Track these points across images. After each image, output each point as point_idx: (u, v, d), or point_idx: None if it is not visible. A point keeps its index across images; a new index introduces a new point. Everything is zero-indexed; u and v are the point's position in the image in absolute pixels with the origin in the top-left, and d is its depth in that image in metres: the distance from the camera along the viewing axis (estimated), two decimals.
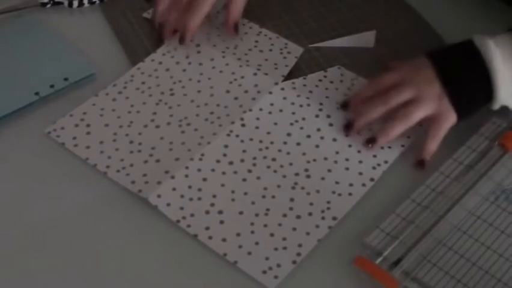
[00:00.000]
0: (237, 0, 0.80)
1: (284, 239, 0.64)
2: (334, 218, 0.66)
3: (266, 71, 0.78)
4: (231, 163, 0.69)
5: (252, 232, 0.64)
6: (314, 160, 0.70)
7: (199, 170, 0.69)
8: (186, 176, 0.68)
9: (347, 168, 0.70)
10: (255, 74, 0.78)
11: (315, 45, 0.81)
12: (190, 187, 0.67)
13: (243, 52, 0.80)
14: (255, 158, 0.70)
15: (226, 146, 0.71)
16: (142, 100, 0.75)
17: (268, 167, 0.69)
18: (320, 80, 0.78)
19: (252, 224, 0.65)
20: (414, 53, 0.81)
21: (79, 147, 0.71)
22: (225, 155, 0.70)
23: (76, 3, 0.86)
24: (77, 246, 0.64)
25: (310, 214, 0.66)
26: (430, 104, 0.70)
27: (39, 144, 0.72)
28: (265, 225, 0.65)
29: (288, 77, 0.78)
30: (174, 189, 0.67)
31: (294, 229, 0.65)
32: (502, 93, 0.69)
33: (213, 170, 0.69)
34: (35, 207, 0.67)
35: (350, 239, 0.65)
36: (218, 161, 0.69)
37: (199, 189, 0.67)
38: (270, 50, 0.81)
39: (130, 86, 0.77)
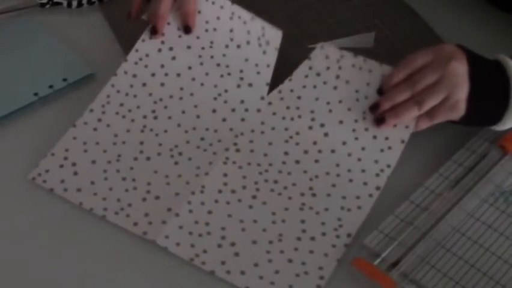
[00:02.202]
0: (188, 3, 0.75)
1: (303, 263, 0.63)
2: (348, 235, 0.65)
3: (249, 79, 0.75)
4: (233, 191, 0.67)
5: (270, 261, 0.63)
6: (316, 177, 0.68)
7: (202, 203, 0.66)
8: (190, 211, 0.65)
9: (351, 180, 0.68)
10: (239, 86, 0.74)
11: (313, 45, 0.80)
12: (196, 222, 0.65)
13: (220, 53, 0.76)
14: (256, 183, 0.68)
15: (225, 175, 0.68)
16: (125, 127, 0.71)
17: (272, 190, 0.67)
18: (306, 76, 0.74)
19: (268, 252, 0.63)
20: (413, 52, 0.82)
21: (69, 191, 0.66)
22: (225, 184, 0.68)
23: (74, 4, 0.86)
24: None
25: (324, 234, 0.65)
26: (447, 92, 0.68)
27: (39, 144, 0.72)
28: (282, 252, 0.63)
29: (282, 77, 0.75)
30: (181, 227, 0.64)
31: (311, 252, 0.63)
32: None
33: (216, 201, 0.66)
34: (36, 207, 0.67)
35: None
36: (220, 191, 0.67)
37: (207, 224, 0.65)
38: (248, 43, 0.76)
39: (108, 110, 0.72)
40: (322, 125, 0.72)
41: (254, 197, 0.67)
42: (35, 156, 0.70)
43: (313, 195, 0.67)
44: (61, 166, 0.68)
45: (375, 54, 0.82)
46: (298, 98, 0.73)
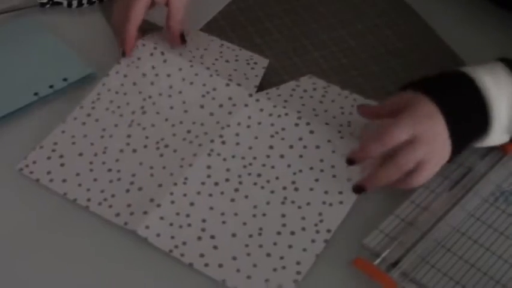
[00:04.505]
0: (174, 14, 0.76)
1: (282, 258, 0.63)
2: (328, 231, 0.65)
3: (238, 81, 0.75)
4: (216, 184, 0.67)
5: (248, 254, 0.63)
6: (300, 171, 0.69)
7: (184, 194, 0.66)
8: (172, 202, 0.66)
9: (334, 176, 0.68)
10: (228, 84, 0.74)
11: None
12: (178, 214, 0.65)
13: (210, 62, 0.77)
14: (240, 176, 0.68)
15: (209, 167, 0.68)
16: (113, 122, 0.72)
17: (255, 183, 0.68)
18: (293, 90, 0.75)
19: (247, 245, 0.64)
20: (413, 52, 0.82)
21: (54, 182, 0.67)
22: (209, 176, 0.68)
23: (75, 4, 0.86)
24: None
25: (303, 229, 0.65)
26: (433, 155, 0.64)
27: (38, 144, 0.72)
28: (261, 246, 0.64)
29: (267, 85, 0.76)
30: (162, 218, 0.65)
31: (290, 246, 0.64)
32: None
33: (198, 193, 0.67)
34: (37, 206, 0.67)
35: (348, 240, 0.65)
36: (203, 183, 0.67)
37: (188, 215, 0.65)
38: (236, 61, 0.78)
39: (98, 106, 0.73)
40: (308, 124, 0.72)
41: (236, 190, 0.67)
42: None
43: (296, 189, 0.67)
44: (48, 158, 0.69)
45: (376, 54, 0.82)
46: (285, 101, 0.74)
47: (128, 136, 0.71)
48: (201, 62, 0.77)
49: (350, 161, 0.66)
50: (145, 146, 0.70)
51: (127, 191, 0.67)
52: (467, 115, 0.65)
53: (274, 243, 0.64)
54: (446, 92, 0.65)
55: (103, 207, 0.66)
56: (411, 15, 0.87)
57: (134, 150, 0.70)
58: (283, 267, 0.62)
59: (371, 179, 0.65)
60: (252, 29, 0.84)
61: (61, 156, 0.69)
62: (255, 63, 0.78)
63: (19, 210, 0.67)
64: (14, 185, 0.69)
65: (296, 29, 0.84)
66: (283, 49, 0.82)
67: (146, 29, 0.79)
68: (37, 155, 0.70)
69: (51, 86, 0.76)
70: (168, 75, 0.75)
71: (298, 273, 0.62)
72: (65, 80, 0.76)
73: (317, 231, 0.65)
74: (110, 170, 0.68)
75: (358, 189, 0.66)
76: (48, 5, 0.86)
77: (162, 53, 0.77)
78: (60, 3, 0.86)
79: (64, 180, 0.68)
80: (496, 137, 0.66)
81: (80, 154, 0.70)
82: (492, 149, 0.71)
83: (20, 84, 0.76)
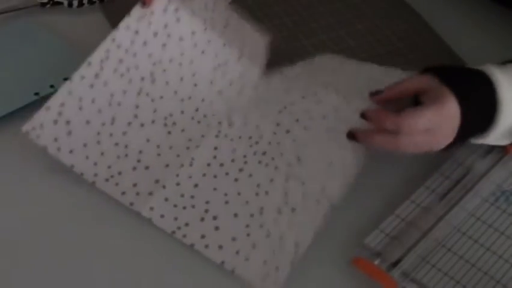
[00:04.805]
0: None
1: (281, 237, 0.63)
2: (330, 206, 0.64)
3: (249, 55, 0.74)
4: (221, 165, 0.68)
5: (248, 235, 0.63)
6: (305, 145, 0.68)
7: (190, 176, 0.67)
8: (177, 184, 0.66)
9: (339, 146, 0.67)
10: (239, 58, 0.73)
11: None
12: (182, 195, 0.65)
13: (219, 26, 0.74)
14: (245, 156, 0.68)
15: (215, 148, 0.69)
16: (122, 88, 0.70)
17: (260, 162, 0.68)
18: (304, 67, 0.74)
19: (248, 226, 0.64)
20: (413, 52, 0.82)
21: (62, 152, 0.66)
22: (214, 157, 0.68)
23: (75, 3, 0.86)
24: (73, 253, 0.64)
25: (305, 206, 0.65)
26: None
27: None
28: (261, 226, 0.64)
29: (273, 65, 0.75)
30: (167, 199, 0.65)
31: (290, 225, 0.64)
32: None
33: (204, 174, 0.67)
34: (36, 206, 0.67)
35: (349, 240, 0.65)
36: (208, 165, 0.68)
37: (192, 197, 0.65)
38: (243, 32, 0.76)
39: (106, 66, 0.69)
40: (315, 94, 0.71)
41: (241, 170, 0.67)
42: (36, 156, 0.70)
43: (300, 164, 0.67)
44: (55, 122, 0.67)
45: (376, 54, 0.82)
46: (297, 76, 0.73)
47: (137, 107, 0.70)
48: (212, 24, 0.74)
49: (351, 136, 0.66)
50: (153, 121, 0.70)
51: (134, 169, 0.66)
52: (479, 114, 0.65)
53: (275, 222, 0.64)
54: (469, 91, 0.64)
55: (110, 184, 0.65)
56: (411, 15, 0.87)
57: (142, 125, 0.69)
58: (282, 248, 0.62)
59: (367, 137, 0.64)
60: None
61: (68, 123, 0.67)
62: (259, 39, 0.76)
63: (20, 210, 0.67)
64: (14, 184, 0.69)
65: (296, 29, 0.85)
66: (283, 49, 0.82)
67: None
68: (43, 117, 0.67)
69: (51, 86, 0.76)
70: (180, 39, 0.72)
71: (295, 254, 0.62)
72: (65, 79, 0.76)
73: (318, 207, 0.64)
74: (117, 144, 0.68)
75: (350, 135, 0.65)
76: (48, 5, 0.86)
77: (176, 10, 0.72)
78: (61, 3, 0.86)
79: (71, 151, 0.66)
80: (493, 139, 0.66)
81: (88, 122, 0.68)
82: (492, 149, 0.71)
83: (20, 84, 0.76)
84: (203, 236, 0.63)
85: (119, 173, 0.66)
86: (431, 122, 0.62)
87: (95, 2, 0.87)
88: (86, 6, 0.87)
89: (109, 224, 0.65)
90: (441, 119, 0.63)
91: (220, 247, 0.63)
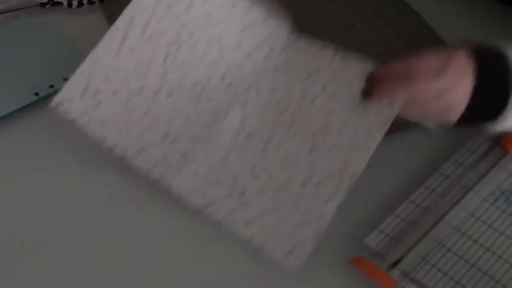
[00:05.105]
0: None
1: (306, 211, 0.62)
2: (353, 176, 0.62)
3: (276, 14, 0.71)
4: (249, 136, 0.66)
5: (274, 209, 0.62)
6: (331, 113, 0.66)
7: (218, 149, 0.65)
8: (206, 157, 0.64)
9: (366, 111, 0.64)
10: (266, 20, 0.70)
11: None
12: (211, 169, 0.64)
13: None
14: (272, 126, 0.66)
15: (243, 119, 0.66)
16: (148, 55, 0.68)
17: (286, 132, 0.65)
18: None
19: (274, 200, 0.62)
20: (413, 52, 0.82)
21: (91, 124, 0.65)
22: (242, 128, 0.66)
23: (75, 4, 0.86)
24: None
25: (329, 177, 0.63)
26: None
27: (39, 144, 0.72)
28: (286, 200, 0.62)
29: None
30: (196, 174, 0.63)
31: (314, 198, 0.62)
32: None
33: (231, 147, 0.65)
34: (34, 207, 0.67)
35: (349, 240, 0.65)
36: (236, 136, 0.65)
37: (221, 171, 0.64)
38: None
39: (132, 32, 0.67)
40: (343, 58, 0.69)
41: (268, 141, 0.65)
42: (36, 156, 0.71)
43: (326, 133, 0.65)
44: (83, 94, 0.66)
45: (376, 54, 0.82)
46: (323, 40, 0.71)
47: (164, 74, 0.68)
48: None
49: (366, 92, 0.65)
50: (180, 89, 0.67)
51: (163, 141, 0.65)
52: (494, 86, 0.63)
53: (299, 196, 0.62)
54: (484, 55, 0.64)
55: (140, 158, 0.64)
56: (411, 15, 0.87)
57: (169, 94, 0.67)
58: (306, 222, 0.61)
59: (381, 88, 0.64)
60: None
61: (96, 93, 0.66)
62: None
63: (19, 210, 0.67)
64: (15, 184, 0.69)
65: (296, 29, 0.84)
66: None
67: None
68: (70, 90, 0.66)
69: (51, 86, 0.76)
70: (205, 1, 0.70)
71: (319, 228, 0.61)
72: (65, 79, 0.76)
73: (342, 177, 0.63)
74: (146, 114, 0.66)
75: (366, 93, 0.65)
76: (48, 5, 0.86)
77: None
78: (60, 3, 0.86)
79: (101, 123, 0.65)
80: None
81: (115, 92, 0.66)
82: (492, 148, 0.71)
83: (20, 84, 0.76)
84: (231, 213, 0.62)
85: (149, 146, 0.64)
86: (440, 65, 0.61)
87: (95, 2, 0.87)
88: (86, 6, 0.87)
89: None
90: (453, 75, 0.61)
91: (247, 223, 0.61)
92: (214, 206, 0.63)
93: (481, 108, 0.64)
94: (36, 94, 0.75)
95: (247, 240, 0.61)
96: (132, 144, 0.65)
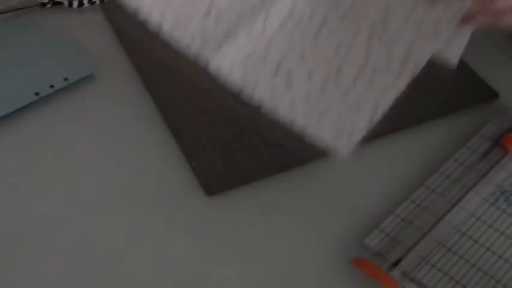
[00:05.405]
0: None
1: (358, 99, 0.59)
2: (416, 67, 0.59)
3: None
4: (299, 22, 0.61)
5: (323, 94, 0.59)
6: (394, 4, 0.62)
7: (264, 29, 0.61)
8: (250, 38, 0.60)
9: (431, 5, 0.61)
10: None
11: None
12: (254, 49, 0.60)
13: None
14: (326, 13, 0.62)
15: (293, 4, 0.62)
16: None
17: (342, 20, 0.61)
18: None
19: (323, 83, 0.59)
20: None
21: None
22: (291, 13, 0.62)
23: (75, 4, 0.86)
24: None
25: (388, 67, 0.60)
26: None
27: (39, 144, 0.72)
28: (338, 84, 0.59)
29: None
30: (237, 52, 0.60)
31: (370, 86, 0.59)
32: None
33: (280, 26, 0.61)
34: (34, 207, 0.67)
35: (349, 240, 0.65)
36: (286, 18, 0.61)
37: (265, 51, 0.60)
38: None
39: None
40: None
41: (321, 26, 0.61)
42: (36, 156, 0.71)
43: (386, 25, 0.61)
44: None
45: None
46: None
47: None
48: None
49: None
50: None
51: (204, 16, 0.61)
52: None
53: (354, 82, 0.59)
54: None
55: (178, 28, 0.60)
56: None
57: None
58: (358, 108, 0.59)
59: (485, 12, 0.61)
60: None
61: None
62: None
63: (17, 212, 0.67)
64: (15, 184, 0.69)
65: None
66: None
67: None
68: None
69: (52, 86, 0.76)
70: None
71: (372, 116, 0.59)
72: (65, 79, 0.76)
73: (402, 70, 0.60)
74: None
75: (467, 19, 0.62)
76: (49, 5, 0.86)
77: None
78: (61, 3, 0.86)
79: None
80: None
81: None
82: (492, 148, 0.71)
83: (20, 84, 0.76)
84: (273, 93, 0.59)
85: (189, 19, 0.61)
86: None
87: (95, 2, 0.87)
88: (86, 6, 0.87)
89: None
90: None
91: (292, 104, 0.58)
92: (256, 86, 0.59)
93: None
94: (37, 94, 0.75)
95: (290, 122, 0.57)
96: (170, 17, 0.60)
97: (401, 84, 0.59)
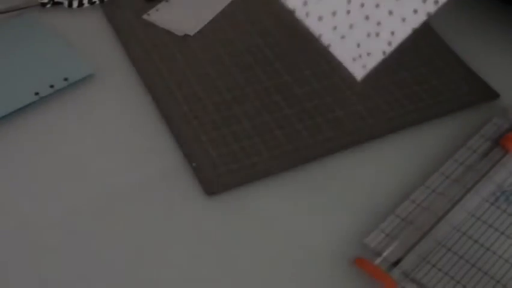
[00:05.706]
0: None
1: (378, 23, 0.60)
2: (435, 4, 0.61)
3: None
4: None
5: (348, 12, 0.60)
6: None
7: None
8: None
9: None
10: None
11: None
12: None
13: None
14: None
15: None
16: None
17: None
18: None
19: (349, 2, 0.60)
20: (413, 52, 0.82)
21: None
22: None
23: (75, 3, 0.86)
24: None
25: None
26: None
27: (39, 144, 0.72)
28: (362, 5, 0.60)
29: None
30: None
31: (390, 13, 0.60)
32: None
33: None
34: (34, 207, 0.67)
35: (349, 240, 0.65)
36: None
37: None
38: None
39: None
40: None
41: None
42: (36, 156, 0.71)
43: None
44: None
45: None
46: None
47: None
48: None
49: None
50: None
51: None
52: None
53: (377, 5, 0.60)
54: None
55: None
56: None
57: None
58: (377, 34, 0.60)
59: None
60: (253, 29, 0.84)
61: None
62: None
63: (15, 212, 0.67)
64: (15, 185, 0.69)
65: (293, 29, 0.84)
66: (284, 49, 0.82)
67: None
68: None
69: (51, 86, 0.76)
70: None
71: (389, 44, 0.60)
72: (65, 79, 0.76)
73: (424, 1, 0.61)
74: None
75: None
76: (49, 5, 0.86)
77: None
78: (61, 3, 0.86)
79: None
80: None
81: None
82: (492, 148, 0.71)
83: (20, 84, 0.76)
84: (305, 3, 0.59)
85: None
86: None
87: (95, 2, 0.87)
88: (86, 6, 0.87)
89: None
90: None
91: (320, 18, 0.59)
92: None
93: None
94: (37, 94, 0.75)
95: (317, 36, 0.59)
96: None
97: (417, 21, 0.60)
